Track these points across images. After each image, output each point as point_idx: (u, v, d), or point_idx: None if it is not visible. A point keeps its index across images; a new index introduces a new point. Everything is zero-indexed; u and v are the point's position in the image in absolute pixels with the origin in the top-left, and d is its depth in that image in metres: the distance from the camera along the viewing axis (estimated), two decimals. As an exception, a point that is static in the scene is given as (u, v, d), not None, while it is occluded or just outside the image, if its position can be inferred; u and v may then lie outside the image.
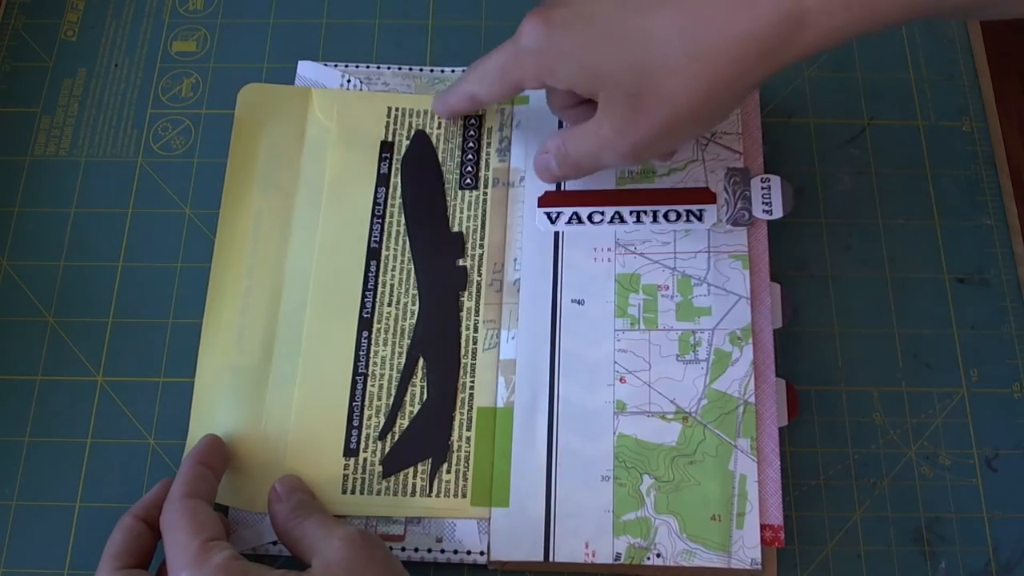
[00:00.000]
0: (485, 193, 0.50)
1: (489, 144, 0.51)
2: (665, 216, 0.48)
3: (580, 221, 0.48)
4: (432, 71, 0.53)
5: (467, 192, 0.50)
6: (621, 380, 0.45)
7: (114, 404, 0.47)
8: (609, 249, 0.48)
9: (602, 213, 0.48)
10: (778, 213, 0.47)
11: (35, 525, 0.45)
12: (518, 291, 0.48)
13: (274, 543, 0.44)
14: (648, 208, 0.48)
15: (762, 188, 0.48)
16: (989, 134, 0.52)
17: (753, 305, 0.46)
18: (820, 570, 0.44)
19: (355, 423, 0.46)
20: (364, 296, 0.48)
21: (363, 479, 0.45)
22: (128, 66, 0.55)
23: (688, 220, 0.48)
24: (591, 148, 0.42)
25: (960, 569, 0.44)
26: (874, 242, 0.50)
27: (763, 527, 0.43)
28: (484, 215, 0.49)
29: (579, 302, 0.47)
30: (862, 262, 0.50)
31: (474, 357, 0.47)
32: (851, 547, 0.45)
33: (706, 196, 0.48)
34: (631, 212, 0.48)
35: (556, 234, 0.48)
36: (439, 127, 0.51)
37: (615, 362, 0.46)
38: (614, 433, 0.44)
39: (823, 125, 0.52)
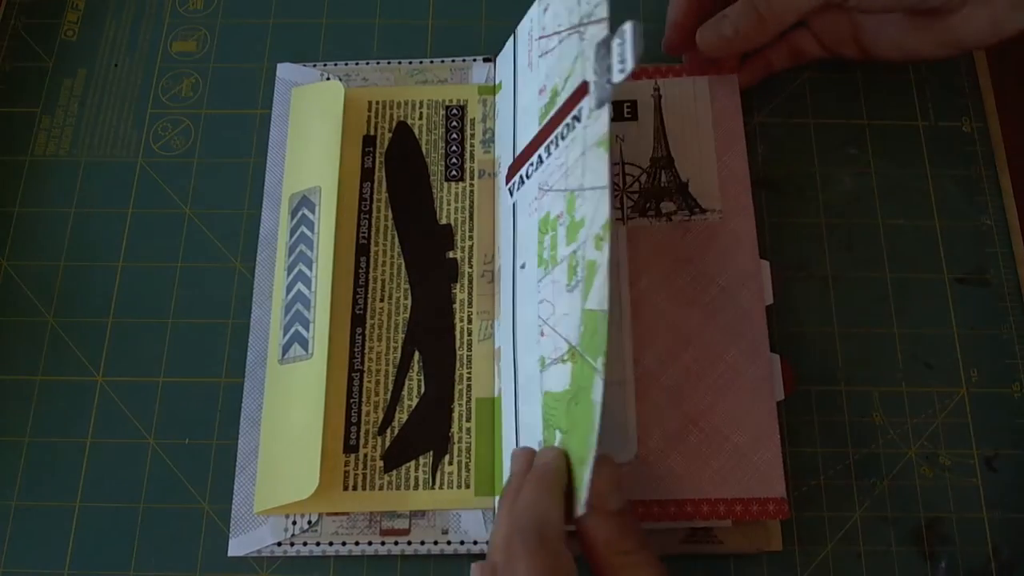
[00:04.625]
0: (471, 185, 0.50)
1: (473, 135, 0.51)
2: (561, 136, 0.43)
3: (523, 181, 0.47)
4: (411, 63, 0.53)
5: (453, 184, 0.50)
6: (541, 334, 0.42)
7: (114, 404, 0.47)
8: (536, 198, 0.44)
9: (532, 163, 0.46)
10: (630, 64, 0.37)
11: (35, 525, 0.45)
12: (501, 278, 0.47)
13: (278, 544, 0.44)
14: (553, 135, 0.44)
15: (618, 47, 0.38)
16: (989, 134, 0.52)
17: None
18: (820, 570, 0.44)
19: (353, 419, 0.46)
20: (355, 292, 0.48)
21: (364, 475, 0.45)
22: (128, 66, 0.55)
23: (572, 127, 0.41)
24: None
25: (960, 569, 0.44)
26: (874, 242, 0.50)
27: (766, 500, 0.42)
28: (472, 207, 0.50)
29: (523, 267, 0.45)
30: (862, 262, 0.50)
31: (470, 348, 0.47)
32: (851, 547, 0.45)
33: (583, 91, 0.41)
34: (545, 148, 0.44)
35: (513, 205, 0.47)
36: (421, 118, 0.51)
37: (539, 316, 0.42)
38: (541, 393, 0.41)
39: (823, 125, 0.52)
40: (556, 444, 0.38)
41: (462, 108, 0.52)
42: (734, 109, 0.50)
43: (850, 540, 0.45)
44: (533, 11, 0.49)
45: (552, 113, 0.44)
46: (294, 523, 0.44)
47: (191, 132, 0.53)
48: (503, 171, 0.49)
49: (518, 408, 0.44)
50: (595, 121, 0.39)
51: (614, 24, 0.39)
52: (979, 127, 0.52)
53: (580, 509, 0.35)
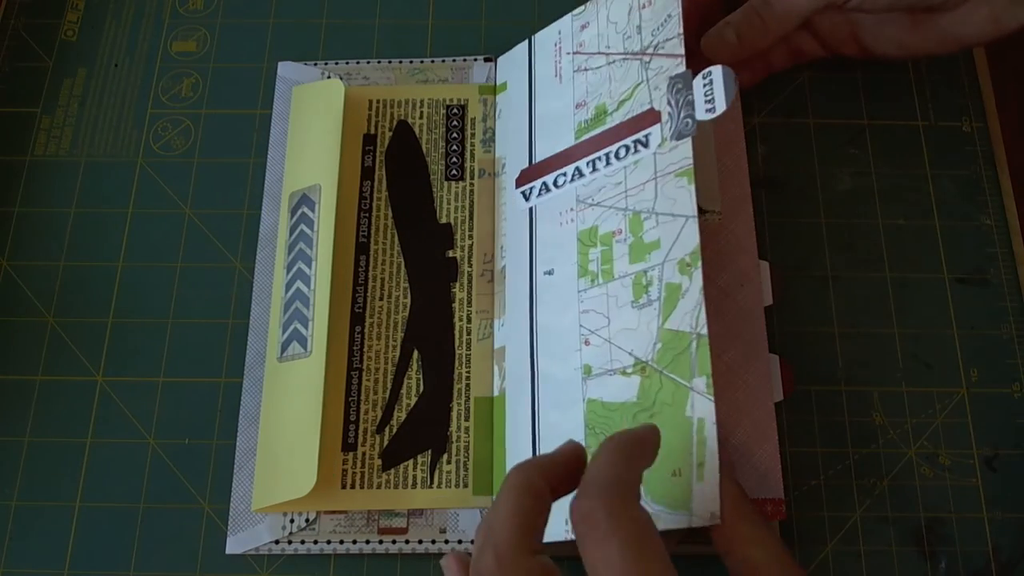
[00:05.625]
0: (471, 184, 0.50)
1: (473, 135, 0.51)
2: (616, 155, 0.44)
3: (548, 189, 0.47)
4: (411, 62, 0.53)
5: (453, 183, 0.50)
6: (586, 343, 0.43)
7: (114, 404, 0.47)
8: (571, 209, 0.45)
9: (564, 174, 0.47)
10: (721, 106, 0.40)
11: (35, 525, 0.45)
12: (505, 278, 0.48)
13: (276, 542, 0.44)
14: (601, 153, 0.45)
15: (704, 86, 0.41)
16: (989, 134, 0.52)
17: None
18: (820, 570, 0.44)
19: (352, 418, 0.46)
20: (355, 290, 0.48)
21: (363, 473, 0.45)
22: (128, 66, 0.55)
23: (636, 151, 0.43)
24: None
25: (960, 569, 0.44)
26: (874, 242, 0.50)
27: (764, 501, 0.42)
28: (471, 206, 0.50)
29: (549, 273, 0.45)
30: (862, 262, 0.50)
31: (469, 348, 0.47)
32: (851, 547, 0.45)
33: (651, 118, 0.43)
34: (587, 163, 0.45)
35: (530, 210, 0.48)
36: (421, 117, 0.52)
37: (580, 325, 0.43)
38: (583, 400, 0.42)
39: (823, 125, 0.52)
40: None
41: (463, 108, 0.52)
42: (734, 110, 0.50)
43: (850, 540, 0.45)
44: (563, 25, 0.50)
45: (599, 131, 0.45)
46: (292, 521, 0.44)
47: (191, 132, 0.53)
48: (508, 172, 0.50)
49: (538, 410, 0.44)
50: (671, 151, 0.41)
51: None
52: (979, 127, 0.52)
53: (717, 518, 0.36)
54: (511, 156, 0.50)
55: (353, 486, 0.45)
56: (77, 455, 0.46)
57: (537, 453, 0.43)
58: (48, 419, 0.47)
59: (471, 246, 0.49)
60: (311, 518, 0.44)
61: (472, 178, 0.50)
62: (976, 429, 0.46)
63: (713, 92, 0.41)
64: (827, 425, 0.47)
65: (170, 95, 0.54)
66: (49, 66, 0.55)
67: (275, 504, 0.44)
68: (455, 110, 0.52)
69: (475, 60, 0.53)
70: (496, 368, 0.46)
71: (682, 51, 0.43)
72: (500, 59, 0.53)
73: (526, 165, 0.49)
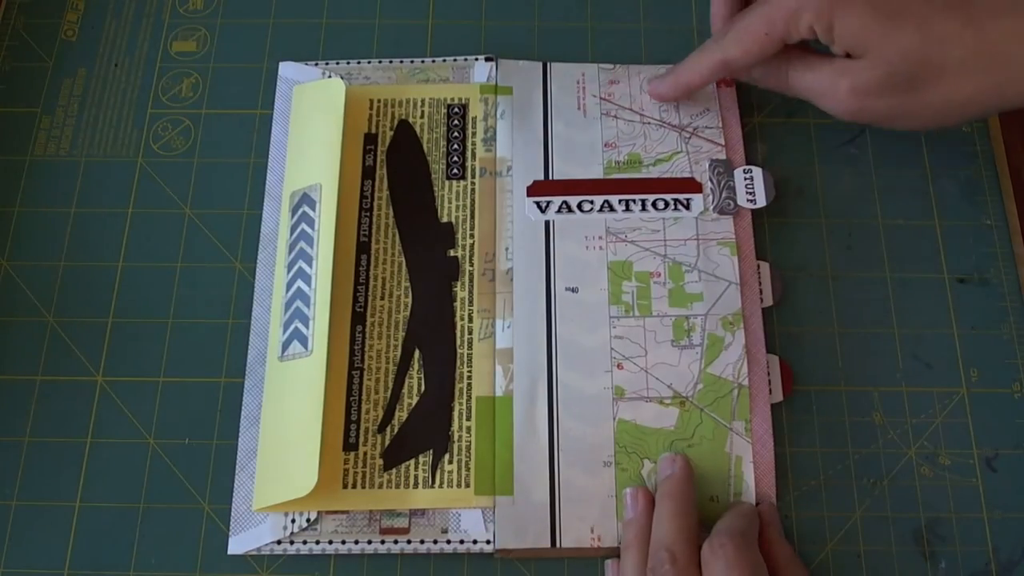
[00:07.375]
0: (472, 183, 0.50)
1: (474, 134, 0.51)
2: (654, 205, 0.49)
3: (570, 210, 0.49)
4: (412, 62, 0.53)
5: (454, 182, 0.50)
6: (619, 366, 0.46)
7: (114, 404, 0.47)
8: (600, 237, 0.48)
9: (591, 202, 0.49)
10: (761, 202, 0.49)
11: (35, 525, 0.45)
12: (511, 280, 0.48)
13: (277, 543, 0.44)
14: (636, 197, 0.49)
15: (745, 178, 0.49)
16: (989, 134, 0.52)
17: (743, 290, 0.47)
18: (820, 570, 0.44)
19: (353, 417, 0.46)
20: (356, 290, 0.48)
21: (364, 473, 0.45)
22: (128, 66, 0.55)
23: (676, 209, 0.49)
24: (820, 86, 0.46)
25: (960, 569, 0.44)
26: (874, 242, 0.50)
27: (757, 504, 0.44)
28: (473, 205, 0.50)
29: (573, 290, 0.47)
30: (862, 262, 0.50)
31: (470, 347, 0.47)
32: (851, 547, 0.45)
33: (692, 186, 0.49)
34: (620, 201, 0.49)
35: (547, 223, 0.49)
36: (422, 117, 0.52)
37: (612, 348, 0.46)
38: (614, 419, 0.45)
39: (823, 125, 0.52)
40: (646, 472, 0.44)
41: (463, 107, 0.52)
42: (733, 122, 0.51)
43: (850, 540, 0.45)
44: (587, 68, 0.53)
45: (632, 176, 0.50)
46: (293, 521, 0.44)
47: (191, 132, 0.53)
48: (515, 176, 0.50)
49: (558, 417, 0.45)
50: (714, 222, 0.48)
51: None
52: (979, 127, 0.52)
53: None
54: (519, 161, 0.50)
55: (355, 486, 0.45)
56: (77, 455, 0.46)
57: (555, 459, 0.44)
58: (48, 419, 0.47)
59: (472, 245, 0.49)
60: (312, 518, 0.44)
61: (473, 177, 0.50)
62: (976, 429, 0.46)
63: (754, 188, 0.49)
64: (827, 425, 0.47)
65: (170, 95, 0.54)
66: (49, 66, 0.55)
67: (276, 504, 0.44)
68: (456, 109, 0.52)
69: (476, 60, 0.53)
70: (500, 368, 0.46)
71: (723, 142, 0.50)
72: (503, 63, 0.53)
73: (541, 176, 0.50)
